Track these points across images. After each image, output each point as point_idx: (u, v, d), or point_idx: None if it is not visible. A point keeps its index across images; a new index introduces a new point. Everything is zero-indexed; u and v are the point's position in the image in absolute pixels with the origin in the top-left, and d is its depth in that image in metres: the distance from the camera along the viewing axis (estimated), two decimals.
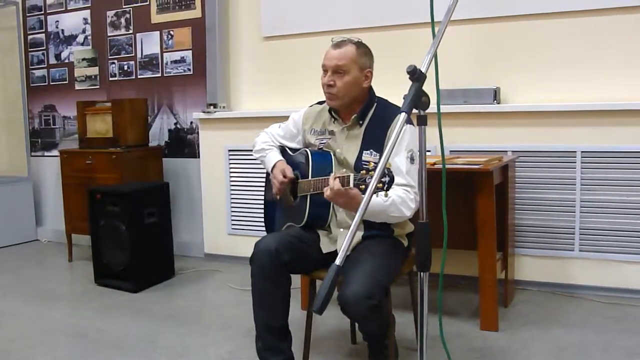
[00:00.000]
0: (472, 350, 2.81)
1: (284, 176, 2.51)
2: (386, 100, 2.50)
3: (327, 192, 2.09)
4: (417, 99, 1.55)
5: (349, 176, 2.04)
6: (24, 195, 5.54)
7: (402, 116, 1.52)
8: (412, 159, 2.29)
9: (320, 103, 2.62)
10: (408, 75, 1.54)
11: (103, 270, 4.06)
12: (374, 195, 2.12)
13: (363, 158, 2.37)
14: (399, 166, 2.26)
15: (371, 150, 2.38)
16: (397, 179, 2.15)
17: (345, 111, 2.47)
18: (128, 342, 3.04)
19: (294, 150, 2.66)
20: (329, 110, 2.52)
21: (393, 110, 2.41)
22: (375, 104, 2.46)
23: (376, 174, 1.53)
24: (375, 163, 2.22)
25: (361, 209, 1.50)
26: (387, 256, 2.31)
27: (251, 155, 2.84)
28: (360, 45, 2.43)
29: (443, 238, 1.76)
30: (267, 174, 2.69)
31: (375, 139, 2.38)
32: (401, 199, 2.22)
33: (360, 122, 2.44)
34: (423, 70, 1.56)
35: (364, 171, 2.00)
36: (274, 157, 2.63)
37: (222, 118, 4.50)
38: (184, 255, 4.75)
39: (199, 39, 4.65)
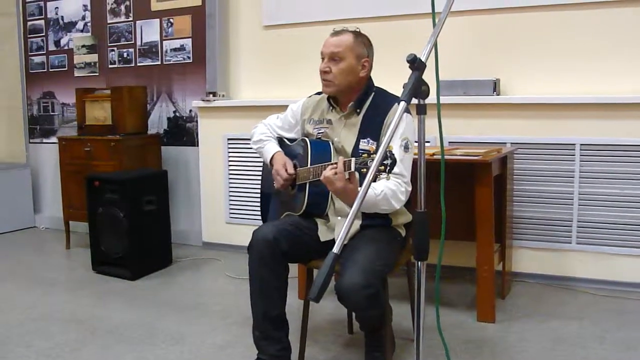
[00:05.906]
0: (469, 341, 2.82)
1: (287, 171, 2.49)
2: (385, 90, 2.49)
3: (327, 172, 2.06)
4: (417, 88, 1.53)
5: (350, 160, 2.03)
6: (22, 182, 5.53)
7: (402, 104, 1.51)
8: (406, 147, 2.28)
9: (319, 93, 2.61)
10: (408, 64, 1.53)
11: (101, 257, 4.06)
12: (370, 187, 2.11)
13: (360, 146, 2.37)
14: (394, 153, 2.25)
15: (368, 138, 2.37)
16: None
17: (343, 100, 2.47)
18: (125, 330, 3.04)
19: (291, 140, 2.66)
20: (328, 99, 2.51)
21: (391, 99, 2.40)
22: (374, 94, 2.46)
23: (376, 160, 1.51)
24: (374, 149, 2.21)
25: (361, 193, 1.48)
26: (385, 246, 2.31)
27: (250, 143, 2.84)
28: (358, 34, 2.43)
29: (441, 229, 1.76)
30: (265, 164, 2.69)
31: (372, 128, 2.37)
32: (392, 192, 2.21)
33: (358, 110, 2.44)
34: (423, 59, 1.55)
35: (365, 154, 1.99)
36: (272, 148, 2.62)
37: (221, 107, 4.49)
38: (182, 244, 4.75)
39: (199, 27, 4.63)
